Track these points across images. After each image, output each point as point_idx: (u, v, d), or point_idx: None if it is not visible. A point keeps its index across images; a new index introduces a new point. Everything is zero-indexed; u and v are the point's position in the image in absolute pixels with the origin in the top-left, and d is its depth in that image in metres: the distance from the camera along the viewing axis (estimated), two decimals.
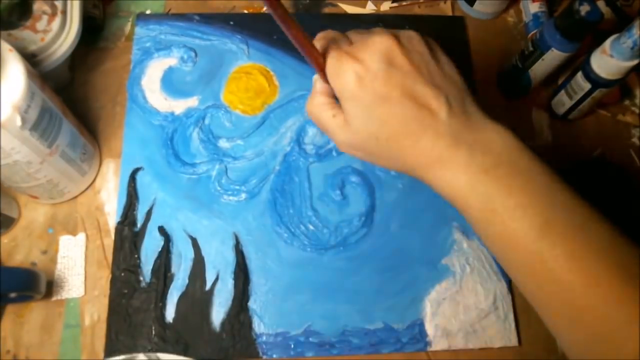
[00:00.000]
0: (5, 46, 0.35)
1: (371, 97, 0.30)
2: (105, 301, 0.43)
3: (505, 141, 0.31)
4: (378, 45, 0.31)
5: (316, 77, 0.34)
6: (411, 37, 0.33)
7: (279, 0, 0.27)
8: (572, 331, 0.29)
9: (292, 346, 0.43)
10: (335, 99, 0.33)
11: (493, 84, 0.56)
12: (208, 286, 0.45)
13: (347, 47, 0.32)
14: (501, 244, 0.30)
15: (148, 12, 0.54)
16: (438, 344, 0.45)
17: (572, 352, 0.30)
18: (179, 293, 0.44)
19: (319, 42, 0.32)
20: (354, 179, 0.49)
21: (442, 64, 0.33)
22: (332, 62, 0.31)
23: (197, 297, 0.44)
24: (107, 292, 0.44)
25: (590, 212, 0.29)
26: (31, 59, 0.41)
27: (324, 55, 0.32)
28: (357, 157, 0.33)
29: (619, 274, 0.27)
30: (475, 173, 0.29)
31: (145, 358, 0.41)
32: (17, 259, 0.44)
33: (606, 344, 0.27)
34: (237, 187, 0.48)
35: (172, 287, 0.44)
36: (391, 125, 0.30)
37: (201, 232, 0.46)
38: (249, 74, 0.52)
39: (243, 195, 0.48)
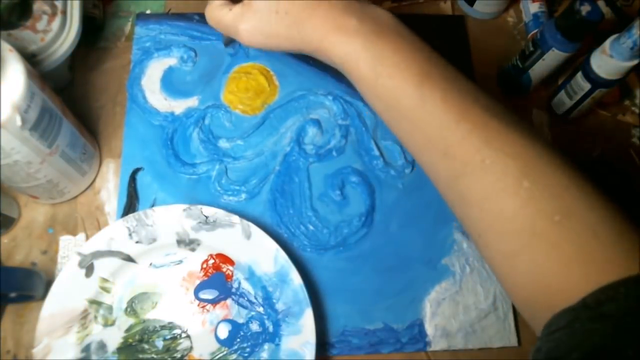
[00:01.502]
0: (5, 46, 0.35)
1: None
2: None
3: (389, 16, 0.35)
4: None
5: None
6: None
7: None
8: (443, 164, 0.32)
9: None
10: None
11: (493, 83, 0.56)
12: None
13: None
14: (387, 96, 0.33)
15: (148, 12, 0.54)
16: (438, 344, 0.45)
17: (442, 186, 0.33)
18: None
19: None
20: (354, 179, 0.49)
21: None
22: None
23: None
24: None
25: (459, 71, 0.34)
26: (31, 59, 0.41)
27: None
28: (259, 44, 0.36)
29: (481, 111, 0.31)
30: (366, 35, 0.33)
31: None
32: (17, 259, 0.44)
33: (471, 170, 0.31)
34: (237, 188, 0.48)
35: None
36: None
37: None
38: (248, 73, 0.52)
39: (243, 196, 0.48)
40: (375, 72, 0.33)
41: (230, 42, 0.51)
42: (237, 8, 0.36)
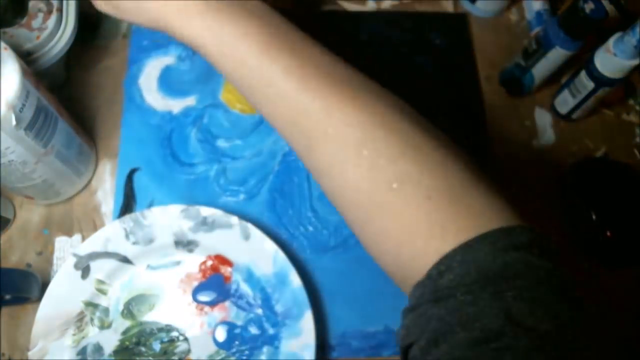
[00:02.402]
0: (0, 44, 0.35)
1: None
2: None
3: None
4: None
5: None
6: None
7: None
8: (295, 135, 0.32)
9: None
10: None
11: (496, 82, 0.55)
12: None
13: None
14: (236, 72, 0.32)
15: None
16: None
17: (300, 157, 0.33)
18: None
19: None
20: None
21: None
22: None
23: None
24: None
25: (307, 39, 0.33)
26: (26, 57, 0.41)
27: None
28: (112, 14, 0.35)
29: (323, 79, 0.30)
30: (209, 12, 0.32)
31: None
32: (12, 261, 0.44)
33: (317, 140, 0.30)
34: (236, 188, 0.47)
35: None
36: None
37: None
38: None
39: (242, 196, 0.47)
40: (220, 50, 0.32)
41: None
42: None
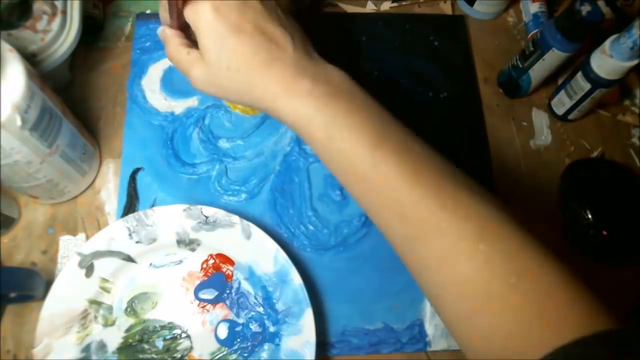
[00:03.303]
0: (5, 46, 0.35)
1: (225, 27, 0.33)
2: None
3: (343, 77, 0.35)
4: None
5: (161, 29, 0.37)
6: None
7: None
8: (400, 227, 0.32)
9: None
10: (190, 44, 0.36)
11: (493, 83, 0.56)
12: None
13: None
14: (341, 159, 0.33)
15: (148, 11, 0.54)
16: (438, 344, 0.45)
17: (399, 248, 0.33)
18: None
19: None
20: None
21: (287, 14, 0.36)
22: None
23: None
24: None
25: (414, 135, 0.34)
26: (31, 59, 0.41)
27: None
28: (210, 93, 0.36)
29: (435, 175, 0.31)
30: (319, 98, 0.32)
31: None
32: (17, 259, 0.44)
33: (427, 233, 0.31)
34: (237, 188, 0.48)
35: None
36: (242, 55, 0.33)
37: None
38: None
39: (243, 196, 0.48)
40: (328, 135, 0.32)
41: None
42: (194, 54, 0.35)
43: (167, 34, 0.37)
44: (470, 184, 0.32)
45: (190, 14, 0.34)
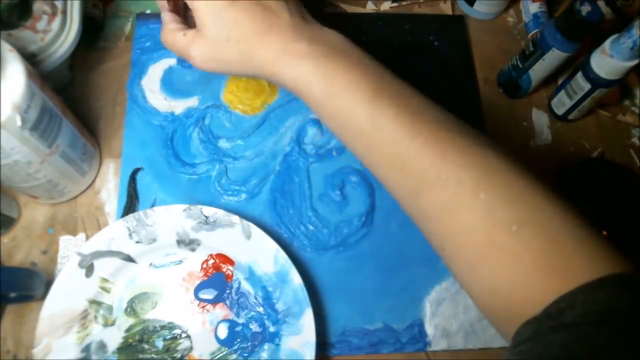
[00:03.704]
0: (5, 46, 0.35)
1: (221, 1, 0.34)
2: None
3: (340, 38, 0.36)
4: None
5: (163, 14, 0.38)
6: None
7: None
8: (402, 180, 0.32)
9: None
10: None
11: (493, 83, 0.56)
12: None
13: None
14: (341, 116, 0.33)
15: (148, 12, 0.54)
16: (438, 344, 0.45)
17: (403, 201, 0.34)
18: None
19: None
20: (354, 179, 0.49)
21: None
22: None
23: None
24: None
25: (412, 89, 0.34)
26: (31, 59, 0.41)
27: None
28: (212, 69, 0.36)
29: (433, 125, 0.31)
30: (317, 58, 0.33)
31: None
32: (17, 259, 0.44)
33: (428, 184, 0.31)
34: (237, 188, 0.48)
35: None
36: (241, 25, 0.34)
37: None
38: None
39: (243, 196, 0.48)
40: (326, 93, 0.33)
41: None
42: (190, 33, 0.36)
43: (166, 19, 0.38)
44: (470, 132, 0.32)
45: None
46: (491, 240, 0.29)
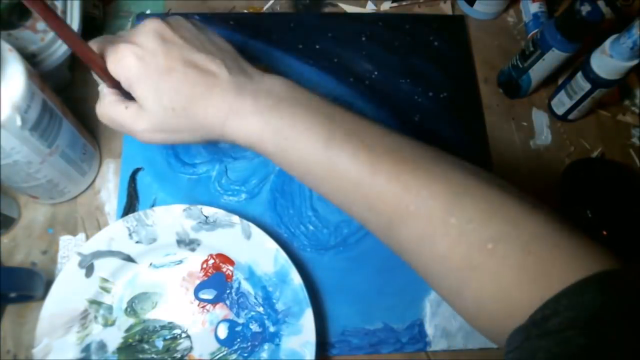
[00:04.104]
0: (5, 46, 0.35)
1: (156, 73, 0.32)
2: None
3: (283, 85, 0.34)
4: (148, 27, 0.33)
5: (100, 87, 0.36)
6: (177, 18, 0.36)
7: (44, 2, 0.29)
8: (373, 218, 0.32)
9: None
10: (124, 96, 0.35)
11: (493, 83, 0.56)
12: None
13: (120, 38, 0.34)
14: (299, 166, 0.33)
15: (148, 12, 0.54)
16: (438, 344, 0.45)
17: (379, 237, 0.33)
18: None
19: (94, 45, 0.34)
20: None
21: (210, 36, 0.36)
22: (111, 53, 0.33)
23: None
24: None
25: (364, 119, 0.33)
26: (31, 59, 0.41)
27: (102, 56, 0.34)
28: (161, 141, 0.35)
29: (392, 159, 0.31)
30: (262, 113, 0.32)
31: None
32: (17, 259, 0.44)
33: (398, 219, 0.31)
34: (237, 187, 0.48)
35: None
36: (182, 93, 0.33)
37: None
38: None
39: (243, 196, 0.48)
40: (280, 148, 0.32)
41: None
42: (134, 107, 0.34)
43: (103, 91, 0.35)
44: (430, 154, 0.32)
45: (117, 70, 0.33)
46: (469, 264, 0.29)
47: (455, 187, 0.30)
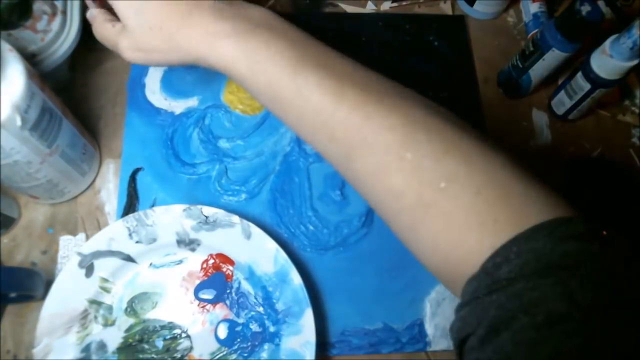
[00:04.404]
0: (5, 46, 0.35)
1: None
2: None
3: (263, 13, 0.35)
4: None
5: (88, 12, 0.39)
6: None
7: None
8: (333, 148, 0.32)
9: None
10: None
11: (493, 83, 0.56)
12: None
13: None
14: (268, 90, 0.33)
15: None
16: (438, 344, 0.45)
17: (337, 168, 0.34)
18: None
19: None
20: None
21: None
22: None
23: None
24: None
25: (336, 53, 0.34)
26: (31, 59, 0.41)
27: None
28: (141, 60, 0.36)
29: (358, 90, 0.31)
30: (239, 35, 0.33)
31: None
32: (17, 259, 0.44)
33: (356, 150, 0.31)
34: (237, 188, 0.48)
35: None
36: (162, 12, 0.34)
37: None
38: None
39: (243, 196, 0.48)
40: (251, 70, 0.33)
41: None
42: (119, 25, 0.36)
43: (93, 13, 0.38)
44: (398, 90, 0.32)
45: None
46: (422, 201, 0.29)
47: (416, 122, 0.30)
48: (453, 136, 0.30)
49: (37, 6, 0.42)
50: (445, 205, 0.28)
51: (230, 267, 0.44)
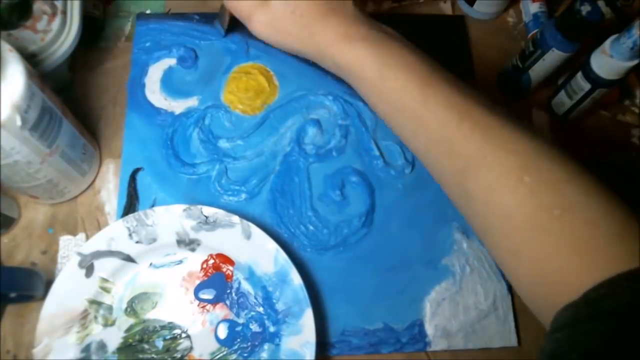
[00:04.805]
0: (5, 46, 0.35)
1: None
2: None
3: (393, 30, 0.38)
4: None
5: None
6: None
7: None
8: (448, 162, 0.33)
9: None
10: None
11: (493, 84, 0.56)
12: None
13: None
14: (393, 97, 0.34)
15: (148, 12, 0.54)
16: (438, 344, 0.45)
17: (447, 183, 0.35)
18: None
19: None
20: (354, 179, 0.49)
21: None
22: None
23: None
24: None
25: (458, 78, 0.35)
26: (31, 59, 0.41)
27: None
28: (269, 37, 0.38)
29: (484, 111, 0.33)
30: (374, 41, 0.35)
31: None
32: (17, 259, 0.44)
33: (474, 166, 0.32)
34: (237, 188, 0.48)
35: None
36: (308, 3, 0.36)
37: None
38: (248, 73, 0.52)
39: (243, 196, 0.48)
40: (380, 75, 0.34)
41: (228, 30, 0.52)
42: None
43: None
44: (516, 121, 0.33)
45: None
46: (533, 224, 0.29)
47: (535, 151, 0.31)
48: (574, 168, 0.30)
49: (37, 6, 0.42)
50: (556, 231, 0.29)
51: (230, 267, 0.44)
